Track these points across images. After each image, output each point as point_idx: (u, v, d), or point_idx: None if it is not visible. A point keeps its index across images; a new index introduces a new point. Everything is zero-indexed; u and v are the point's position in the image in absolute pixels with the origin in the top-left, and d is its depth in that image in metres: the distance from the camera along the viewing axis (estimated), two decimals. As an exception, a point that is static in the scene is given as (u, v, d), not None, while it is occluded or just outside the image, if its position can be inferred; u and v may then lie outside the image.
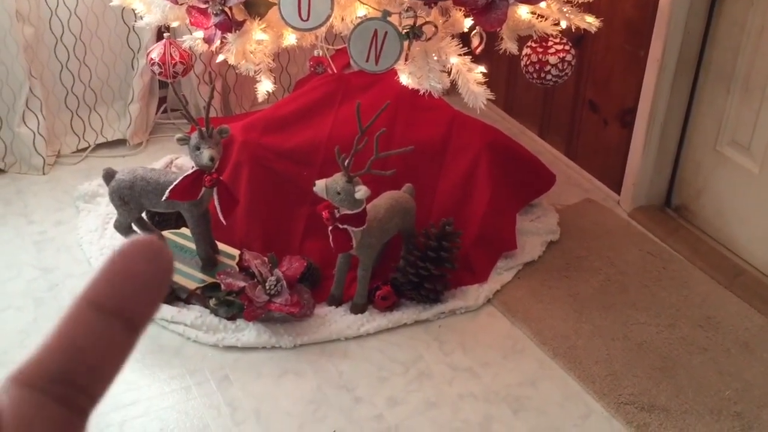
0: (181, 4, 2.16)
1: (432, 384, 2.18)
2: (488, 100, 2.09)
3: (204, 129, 2.16)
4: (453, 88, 2.16)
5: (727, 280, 2.55)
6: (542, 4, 2.19)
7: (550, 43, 2.21)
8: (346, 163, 2.09)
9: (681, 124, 2.77)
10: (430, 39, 2.01)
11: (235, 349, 2.26)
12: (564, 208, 2.89)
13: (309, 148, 2.59)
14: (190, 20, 2.16)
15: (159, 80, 3.17)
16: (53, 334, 0.32)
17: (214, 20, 2.07)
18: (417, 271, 2.34)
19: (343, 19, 2.05)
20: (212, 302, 2.32)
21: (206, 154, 2.14)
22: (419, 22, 1.98)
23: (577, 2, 2.28)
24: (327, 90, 2.73)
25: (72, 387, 0.31)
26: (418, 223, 2.42)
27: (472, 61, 2.10)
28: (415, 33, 1.97)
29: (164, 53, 2.35)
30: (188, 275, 2.40)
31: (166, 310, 2.32)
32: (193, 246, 2.41)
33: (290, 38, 2.18)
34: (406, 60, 2.04)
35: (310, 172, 2.52)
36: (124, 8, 2.93)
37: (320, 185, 2.15)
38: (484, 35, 2.21)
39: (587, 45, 2.89)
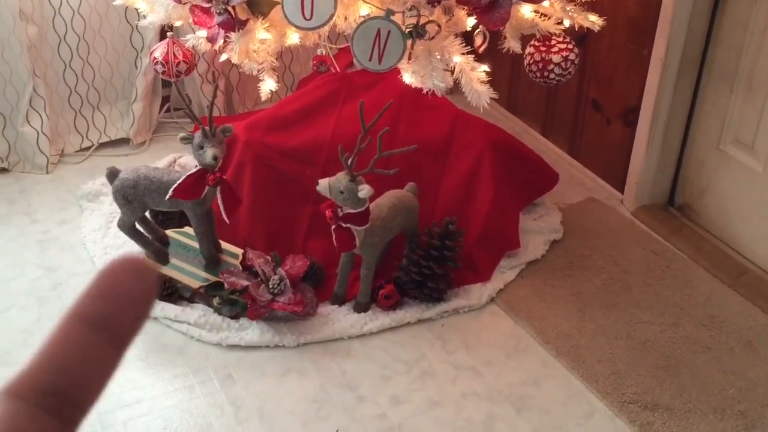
0: (185, 3, 2.16)
1: (435, 383, 2.18)
2: (491, 98, 2.09)
3: (207, 128, 2.16)
4: (456, 87, 2.16)
5: (731, 279, 2.55)
6: (545, 3, 2.19)
7: (553, 42, 2.21)
8: (349, 162, 2.09)
9: (684, 123, 2.77)
10: (433, 38, 2.01)
11: (238, 347, 2.26)
12: (567, 207, 2.89)
13: (312, 147, 2.59)
14: (193, 19, 2.16)
15: (162, 79, 3.17)
16: (44, 348, 0.33)
17: (217, 19, 2.07)
18: (420, 270, 2.34)
19: (346, 18, 2.05)
20: (215, 301, 2.32)
21: (209, 153, 2.15)
22: (422, 20, 1.98)
23: (581, 1, 2.28)
24: (330, 89, 2.73)
25: (62, 399, 0.33)
26: (421, 221, 2.42)
27: (475, 60, 2.10)
28: (418, 32, 1.98)
29: (167, 52, 2.35)
30: (191, 274, 2.40)
31: (169, 309, 2.32)
32: (196, 245, 2.42)
33: (293, 37, 2.19)
34: (409, 59, 2.04)
35: (313, 171, 2.52)
36: (127, 7, 2.93)
37: (323, 184, 2.15)
38: (488, 34, 2.21)
39: (590, 44, 2.89)
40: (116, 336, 0.34)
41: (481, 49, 2.22)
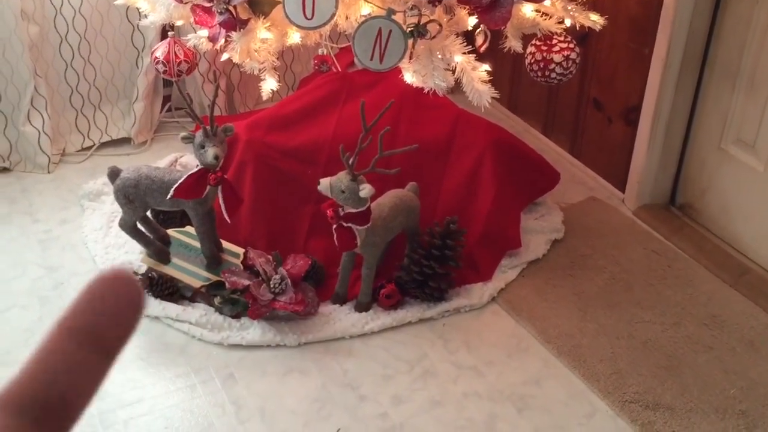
0: (186, 3, 2.16)
1: (437, 382, 2.18)
2: (492, 98, 2.09)
3: (208, 127, 2.16)
4: (457, 87, 2.16)
5: (732, 279, 2.55)
6: (546, 2, 2.19)
7: (554, 41, 2.21)
8: (350, 162, 2.10)
9: (686, 122, 2.77)
10: (434, 37, 2.01)
11: (239, 347, 2.26)
12: (568, 207, 2.89)
13: (313, 147, 2.59)
14: (194, 19, 2.16)
15: (163, 79, 3.18)
16: (32, 360, 0.34)
17: (218, 19, 2.07)
18: (421, 270, 2.34)
19: (347, 18, 2.05)
20: (217, 300, 2.32)
21: (211, 152, 2.15)
22: (423, 20, 1.98)
23: (582, 0, 2.28)
24: (331, 88, 2.73)
25: (49, 411, 0.33)
26: (422, 221, 2.42)
27: (476, 60, 2.10)
28: (419, 31, 1.97)
29: (169, 52, 2.35)
30: (193, 273, 2.40)
31: (171, 308, 2.32)
32: (197, 244, 2.42)
33: (294, 37, 2.19)
34: (410, 58, 2.04)
35: (314, 170, 2.52)
36: (128, 7, 2.93)
37: (324, 184, 2.15)
38: (489, 33, 2.21)
39: (592, 43, 2.89)
40: (103, 348, 0.34)
41: (482, 49, 2.21)
